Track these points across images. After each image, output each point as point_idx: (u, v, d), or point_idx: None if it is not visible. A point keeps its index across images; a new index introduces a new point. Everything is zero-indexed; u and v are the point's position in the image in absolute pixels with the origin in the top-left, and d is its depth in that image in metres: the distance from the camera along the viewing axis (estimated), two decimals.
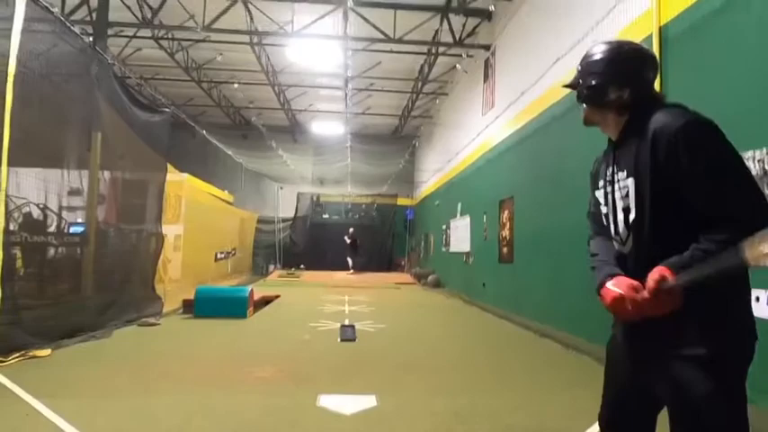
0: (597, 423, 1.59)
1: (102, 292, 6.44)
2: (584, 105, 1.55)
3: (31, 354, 4.59)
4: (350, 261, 18.57)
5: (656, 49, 4.64)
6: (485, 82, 11.11)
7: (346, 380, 4.16)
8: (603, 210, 1.54)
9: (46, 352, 4.72)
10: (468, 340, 6.54)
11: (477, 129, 11.29)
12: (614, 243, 1.50)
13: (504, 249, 9.24)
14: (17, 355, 4.48)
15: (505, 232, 9.23)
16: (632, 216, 1.41)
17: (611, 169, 1.49)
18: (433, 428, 3.08)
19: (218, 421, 3.12)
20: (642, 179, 1.37)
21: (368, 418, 3.26)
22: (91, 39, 5.96)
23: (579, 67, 1.56)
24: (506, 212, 9.21)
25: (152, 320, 6.71)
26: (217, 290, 8.73)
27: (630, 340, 1.44)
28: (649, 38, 4.74)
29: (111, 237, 7.30)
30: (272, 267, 19.10)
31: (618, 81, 1.46)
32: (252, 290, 8.43)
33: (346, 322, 7.08)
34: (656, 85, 4.47)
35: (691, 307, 1.29)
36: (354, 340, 5.90)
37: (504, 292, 9.02)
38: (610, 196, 1.50)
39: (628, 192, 1.42)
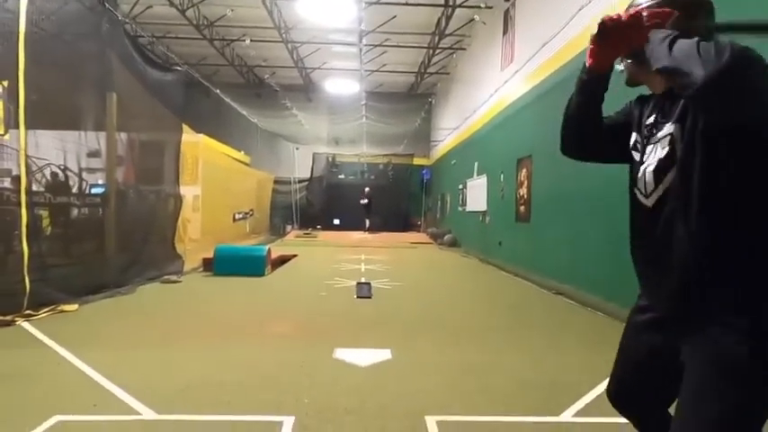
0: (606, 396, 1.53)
1: (125, 251, 6.61)
2: (629, 61, 1.38)
3: (59, 308, 4.79)
4: (366, 221, 18.68)
5: None
6: (504, 35, 10.68)
7: (362, 335, 4.25)
8: (635, 156, 1.40)
9: (73, 307, 4.91)
10: (484, 298, 6.59)
11: (496, 84, 10.96)
12: (636, 193, 1.37)
13: (522, 208, 9.14)
14: (46, 309, 4.68)
15: (523, 191, 9.10)
16: (676, 162, 1.24)
17: (653, 117, 1.35)
18: (446, 381, 3.15)
19: (236, 372, 3.24)
20: (690, 124, 1.21)
21: (382, 369, 3.34)
22: None
23: None
24: (524, 171, 9.05)
25: (173, 278, 6.91)
26: (235, 249, 8.89)
27: (667, 303, 1.29)
28: None
29: (131, 197, 7.42)
30: (289, 228, 19.35)
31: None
32: (269, 249, 8.56)
33: (362, 280, 7.18)
34: None
35: (743, 271, 1.15)
36: (370, 297, 5.99)
37: (520, 251, 9.00)
38: (646, 141, 1.35)
39: (671, 138, 1.25)
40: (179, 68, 8.05)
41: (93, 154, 6.61)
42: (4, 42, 4.68)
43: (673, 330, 1.28)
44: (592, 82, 1.40)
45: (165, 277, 6.83)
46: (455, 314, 5.32)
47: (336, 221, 20.47)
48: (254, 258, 7.97)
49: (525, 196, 8.96)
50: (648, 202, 1.32)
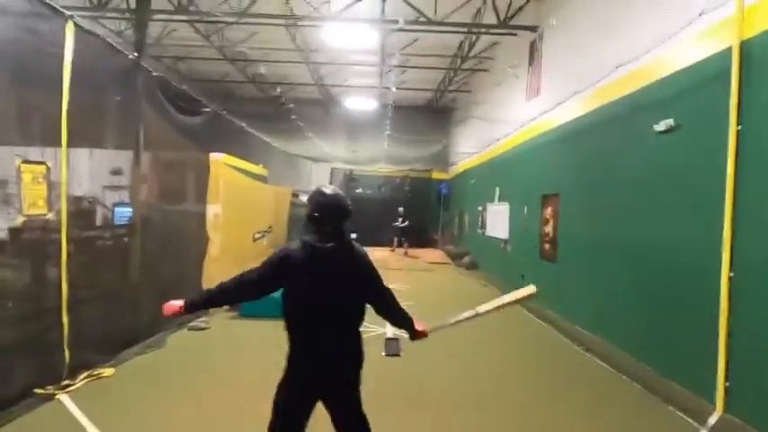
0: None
1: (154, 297, 6.60)
2: None
3: (96, 373, 4.82)
4: (401, 240, 18.71)
5: (735, 64, 4.22)
6: (530, 65, 10.54)
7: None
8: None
9: (110, 371, 4.95)
10: (509, 358, 6.28)
11: (519, 114, 10.83)
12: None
13: (547, 246, 9.02)
14: (84, 375, 4.71)
15: (548, 229, 8.98)
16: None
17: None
18: None
19: None
20: None
21: None
22: (136, 54, 5.87)
23: None
24: (550, 209, 8.93)
25: (201, 324, 6.93)
26: None
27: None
28: (728, 51, 4.31)
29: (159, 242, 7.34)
30: None
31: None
32: None
33: (389, 335, 7.06)
34: (734, 104, 4.07)
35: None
36: (399, 355, 5.90)
37: (545, 291, 8.82)
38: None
39: None
40: (207, 109, 8.04)
41: (119, 186, 6.60)
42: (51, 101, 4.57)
43: None
44: None
45: (193, 323, 6.87)
46: (480, 381, 5.23)
47: (354, 236, 20.38)
48: (280, 301, 7.92)
49: (551, 234, 8.83)
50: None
